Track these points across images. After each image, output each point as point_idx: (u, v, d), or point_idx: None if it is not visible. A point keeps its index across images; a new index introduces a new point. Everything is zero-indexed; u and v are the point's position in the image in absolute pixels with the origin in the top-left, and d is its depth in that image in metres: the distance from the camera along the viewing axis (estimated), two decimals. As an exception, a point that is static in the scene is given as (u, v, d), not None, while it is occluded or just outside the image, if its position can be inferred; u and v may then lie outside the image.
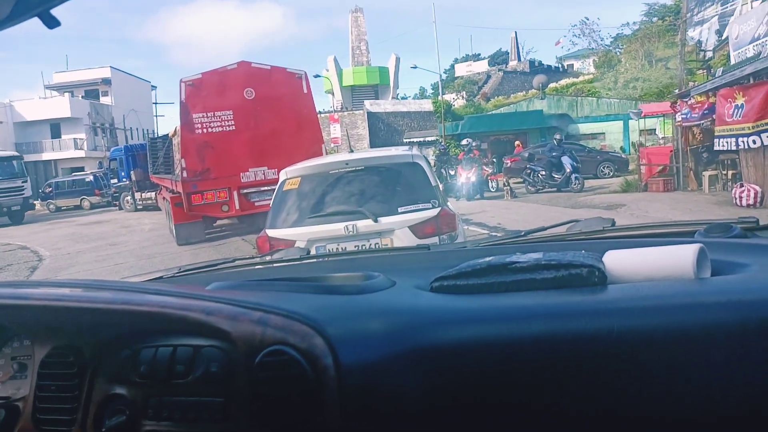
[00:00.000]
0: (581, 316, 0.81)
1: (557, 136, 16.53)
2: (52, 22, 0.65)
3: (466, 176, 15.85)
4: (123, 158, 22.95)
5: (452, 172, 17.36)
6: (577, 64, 46.36)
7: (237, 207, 10.56)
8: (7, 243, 15.35)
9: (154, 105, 43.28)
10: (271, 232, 4.35)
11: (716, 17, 15.02)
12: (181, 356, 0.86)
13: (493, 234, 9.72)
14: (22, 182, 22.54)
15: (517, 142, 22.03)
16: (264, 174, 10.54)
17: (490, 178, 17.20)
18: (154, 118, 42.53)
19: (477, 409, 0.80)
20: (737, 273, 0.91)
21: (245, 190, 10.56)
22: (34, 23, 0.67)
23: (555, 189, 15.54)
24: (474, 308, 0.88)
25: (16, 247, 14.46)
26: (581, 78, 36.65)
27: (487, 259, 1.03)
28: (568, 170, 15.38)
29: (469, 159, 16.25)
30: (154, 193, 18.78)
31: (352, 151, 5.85)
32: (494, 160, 20.92)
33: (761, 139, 9.58)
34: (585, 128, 26.10)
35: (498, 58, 51.62)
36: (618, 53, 38.89)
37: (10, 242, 15.42)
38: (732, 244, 1.09)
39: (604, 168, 19.85)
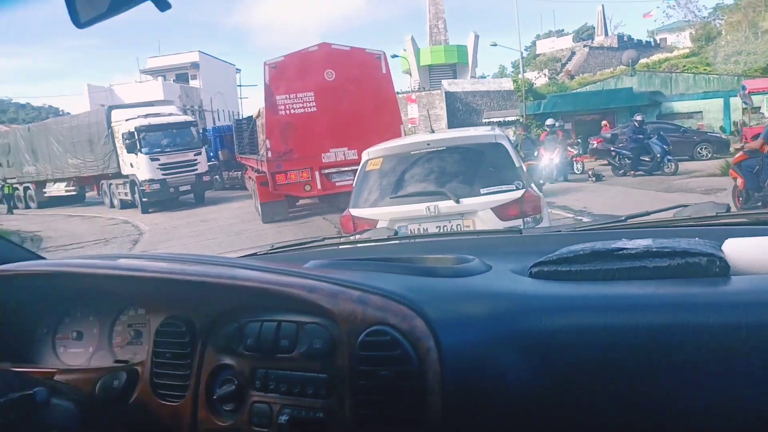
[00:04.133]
0: (704, 309, 0.75)
1: (638, 117, 15.47)
2: (163, 5, 0.68)
3: (548, 157, 15.28)
4: (211, 139, 23.39)
5: (535, 153, 16.81)
6: (671, 38, 43.25)
7: (319, 187, 10.80)
8: (112, 218, 16.66)
9: (238, 87, 44.93)
10: (354, 212, 4.42)
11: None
12: (286, 331, 0.89)
13: (578, 218, 9.35)
14: (195, 155, 17.72)
15: (604, 122, 20.90)
16: (344, 154, 10.69)
17: (574, 159, 16.50)
18: (239, 100, 44.18)
19: (579, 397, 0.77)
20: None
21: (326, 171, 10.78)
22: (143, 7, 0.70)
23: (644, 172, 14.66)
24: (580, 296, 0.85)
25: (120, 221, 15.65)
26: (676, 53, 34.12)
27: (590, 244, 0.98)
28: (657, 154, 14.42)
29: (552, 140, 15.63)
30: (240, 173, 19.56)
31: (432, 132, 5.80)
32: (579, 140, 20.01)
33: None
34: (680, 107, 24.33)
35: (583, 34, 49.20)
36: (718, 25, 35.80)
37: (115, 217, 16.71)
38: None
39: (701, 149, 18.42)
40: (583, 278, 0.91)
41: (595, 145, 18.08)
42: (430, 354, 0.76)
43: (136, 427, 1.00)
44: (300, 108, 10.76)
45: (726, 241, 0.92)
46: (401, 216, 4.22)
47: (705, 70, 26.95)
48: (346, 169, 10.52)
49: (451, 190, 4.19)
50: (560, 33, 50.27)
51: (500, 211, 4.15)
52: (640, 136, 14.82)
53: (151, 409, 0.99)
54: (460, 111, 27.96)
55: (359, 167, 4.74)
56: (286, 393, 0.87)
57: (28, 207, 22.90)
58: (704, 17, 39.59)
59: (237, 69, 46.94)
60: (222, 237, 10.84)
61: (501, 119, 25.44)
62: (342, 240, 1.69)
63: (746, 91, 17.77)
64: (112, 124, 17.99)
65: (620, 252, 0.93)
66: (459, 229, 4.15)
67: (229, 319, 0.96)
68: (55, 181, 21.78)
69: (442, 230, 4.18)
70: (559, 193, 12.20)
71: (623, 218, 1.46)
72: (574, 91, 27.75)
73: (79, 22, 0.68)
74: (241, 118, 21.67)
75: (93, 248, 11.31)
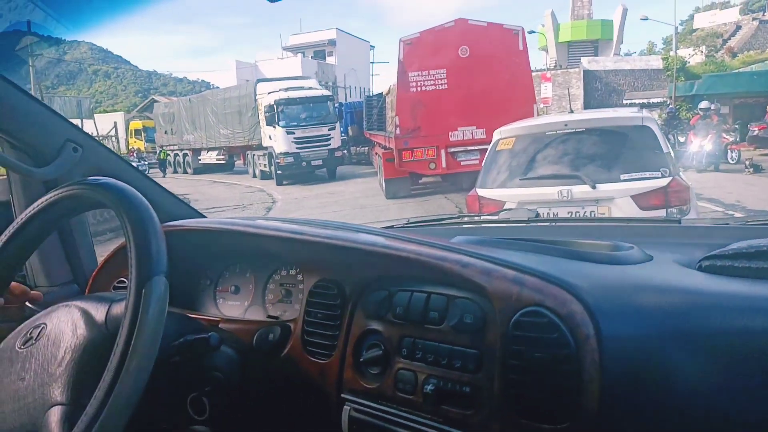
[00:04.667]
0: None
1: None
2: None
3: (699, 144, 13.82)
4: (342, 115, 24.39)
5: (682, 139, 15.32)
6: None
7: (443, 165, 10.74)
8: (249, 186, 18.04)
9: (371, 64, 45.86)
10: (482, 191, 4.35)
11: None
12: (435, 303, 0.90)
13: (729, 213, 8.41)
14: (329, 130, 17.47)
15: (770, 106, 18.43)
16: (472, 133, 10.52)
17: (729, 147, 14.76)
18: (371, 77, 45.11)
19: (752, 407, 0.70)
20: None
21: (452, 149, 10.68)
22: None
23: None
24: (765, 296, 0.76)
25: (256, 189, 16.91)
26: None
27: None
28: None
29: (705, 124, 14.09)
30: (366, 148, 20.04)
31: (571, 112, 5.51)
32: (737, 126, 17.84)
33: None
34: None
35: (753, 6, 43.39)
36: None
37: (252, 185, 18.07)
38: None
39: None
40: (765, 276, 0.82)
41: (756, 132, 16.02)
42: (589, 341, 0.73)
43: (287, 379, 1.07)
44: (431, 85, 10.71)
45: None
46: (530, 199, 4.09)
47: None
48: (473, 148, 10.36)
49: (587, 174, 3.97)
50: (725, 5, 44.85)
51: (641, 199, 3.86)
52: None
53: (300, 364, 1.06)
54: (599, 91, 26.23)
55: (489, 146, 4.64)
56: (432, 363, 0.88)
57: (185, 172, 25.11)
58: None
59: (371, 46, 47.89)
60: (347, 209, 11.27)
61: (645, 101, 23.46)
62: (480, 218, 1.67)
63: None
64: (257, 97, 18.86)
65: None
66: (593, 216, 3.93)
67: (379, 287, 0.99)
68: (209, 149, 23.57)
69: (573, 216, 3.99)
70: (707, 184, 11.02)
71: None
72: (736, 71, 24.72)
73: None
74: (371, 94, 22.03)
75: (232, 212, 12.35)
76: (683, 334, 0.72)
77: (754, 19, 35.30)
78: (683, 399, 0.71)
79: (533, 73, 15.22)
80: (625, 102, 23.64)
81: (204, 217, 1.58)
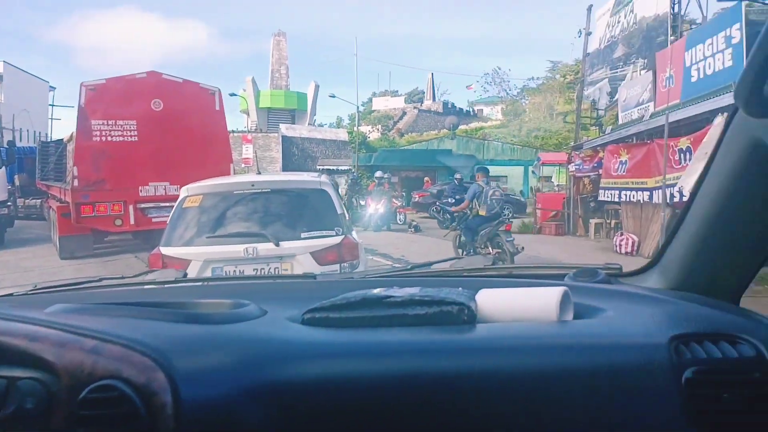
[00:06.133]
0: (446, 355, 0.81)
1: (458, 176, 17.22)
2: None
3: (374, 207, 16.03)
4: (13, 158, 20.20)
5: (362, 202, 17.52)
6: (486, 110, 49.03)
7: (132, 222, 9.96)
8: None
9: (50, 107, 40.19)
10: (166, 250, 4.12)
11: (606, 80, 16.59)
12: None
13: (396, 265, 9.86)
14: None
15: (426, 178, 22.71)
16: (165, 189, 10.06)
17: (398, 210, 17.52)
18: (50, 120, 39.41)
19: None
20: (594, 317, 0.96)
21: (142, 205, 10.01)
22: None
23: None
24: (340, 342, 0.86)
25: None
26: (489, 123, 38.83)
27: (363, 291, 1.01)
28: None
29: (380, 191, 16.49)
30: (39, 201, 17.18)
31: (259, 173, 5.74)
32: (404, 193, 21.38)
33: (640, 195, 10.56)
34: (491, 170, 27.41)
35: (414, 96, 53.47)
36: (524, 103, 41.76)
37: None
38: (595, 289, 1.15)
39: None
40: (350, 325, 0.93)
41: (417, 199, 19.48)
42: (165, 410, 0.70)
43: None
44: (119, 136, 9.93)
45: (479, 291, 1.02)
46: (217, 257, 4.05)
47: (511, 140, 30.96)
48: (166, 204, 9.84)
49: (272, 233, 4.14)
50: (394, 93, 54.00)
51: (319, 255, 4.18)
52: (458, 195, 16.32)
53: None
54: (296, 156, 28.24)
55: (176, 203, 4.46)
56: None
57: None
58: (514, 95, 45.88)
59: (51, 87, 42.10)
60: (4, 274, 9.30)
61: (335, 167, 26.21)
62: (122, 281, 1.53)
63: (540, 163, 20.67)
64: None
65: (387, 300, 0.97)
66: (277, 272, 4.09)
67: None
68: None
69: (259, 273, 4.09)
70: (381, 242, 12.75)
71: (409, 267, 1.54)
72: (403, 148, 29.84)
73: None
74: (48, 140, 19.13)
75: None
76: (257, 387, 0.75)
77: (414, 107, 43.46)
78: None
79: (235, 134, 15.46)
80: (318, 167, 25.98)
81: None
